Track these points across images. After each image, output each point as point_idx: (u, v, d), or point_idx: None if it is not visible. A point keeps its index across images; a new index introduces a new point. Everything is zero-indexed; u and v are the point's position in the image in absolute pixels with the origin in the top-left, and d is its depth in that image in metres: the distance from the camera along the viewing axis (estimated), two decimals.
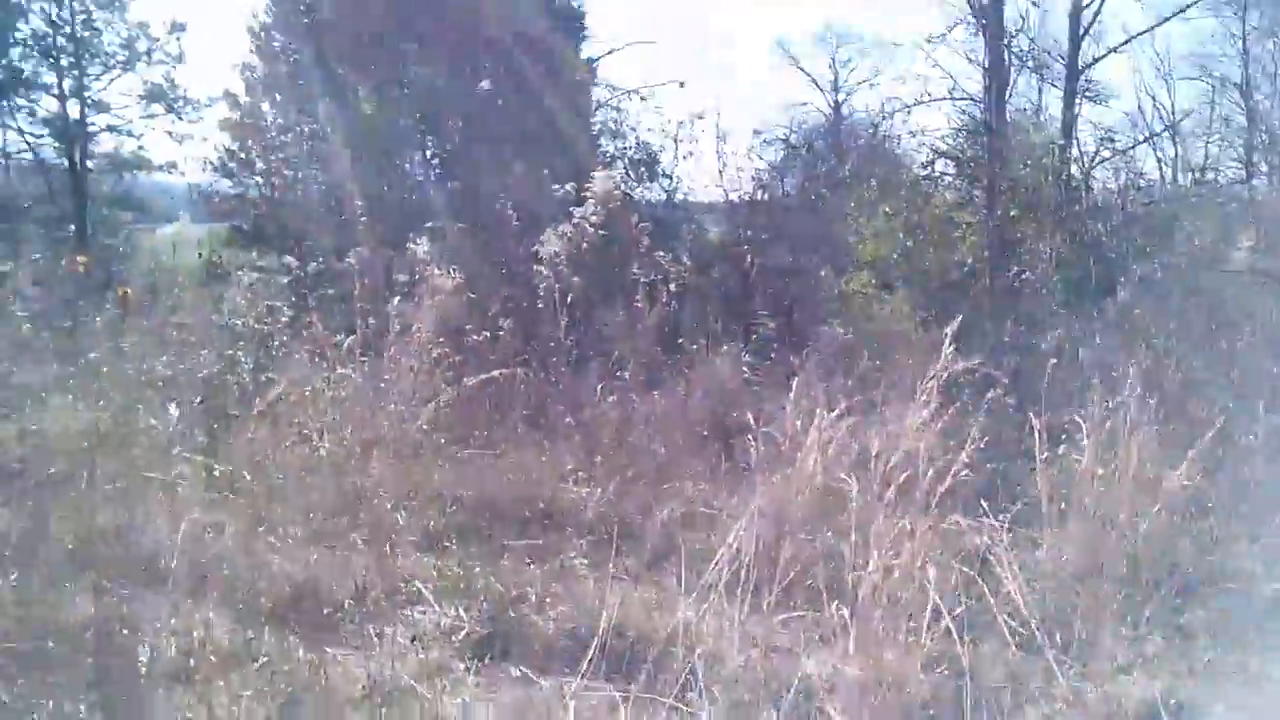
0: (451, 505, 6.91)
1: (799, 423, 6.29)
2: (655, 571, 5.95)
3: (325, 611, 5.33)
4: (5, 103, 21.01)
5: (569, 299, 8.29)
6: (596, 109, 17.10)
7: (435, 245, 9.35)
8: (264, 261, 12.56)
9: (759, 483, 6.37)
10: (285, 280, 11.00)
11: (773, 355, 9.12)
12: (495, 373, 7.89)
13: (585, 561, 6.15)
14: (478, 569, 5.84)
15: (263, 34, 17.87)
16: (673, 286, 8.60)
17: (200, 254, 18.36)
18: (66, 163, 21.78)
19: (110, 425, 7.42)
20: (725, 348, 8.88)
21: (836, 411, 6.40)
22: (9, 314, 9.45)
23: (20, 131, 21.36)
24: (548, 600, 5.41)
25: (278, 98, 17.43)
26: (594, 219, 7.79)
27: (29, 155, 21.64)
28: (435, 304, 8.07)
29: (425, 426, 7.46)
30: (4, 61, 20.89)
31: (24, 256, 14.77)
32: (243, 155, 18.39)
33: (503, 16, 15.20)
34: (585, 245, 7.88)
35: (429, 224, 9.79)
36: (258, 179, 18.47)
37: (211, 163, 19.06)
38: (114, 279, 18.15)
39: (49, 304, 10.90)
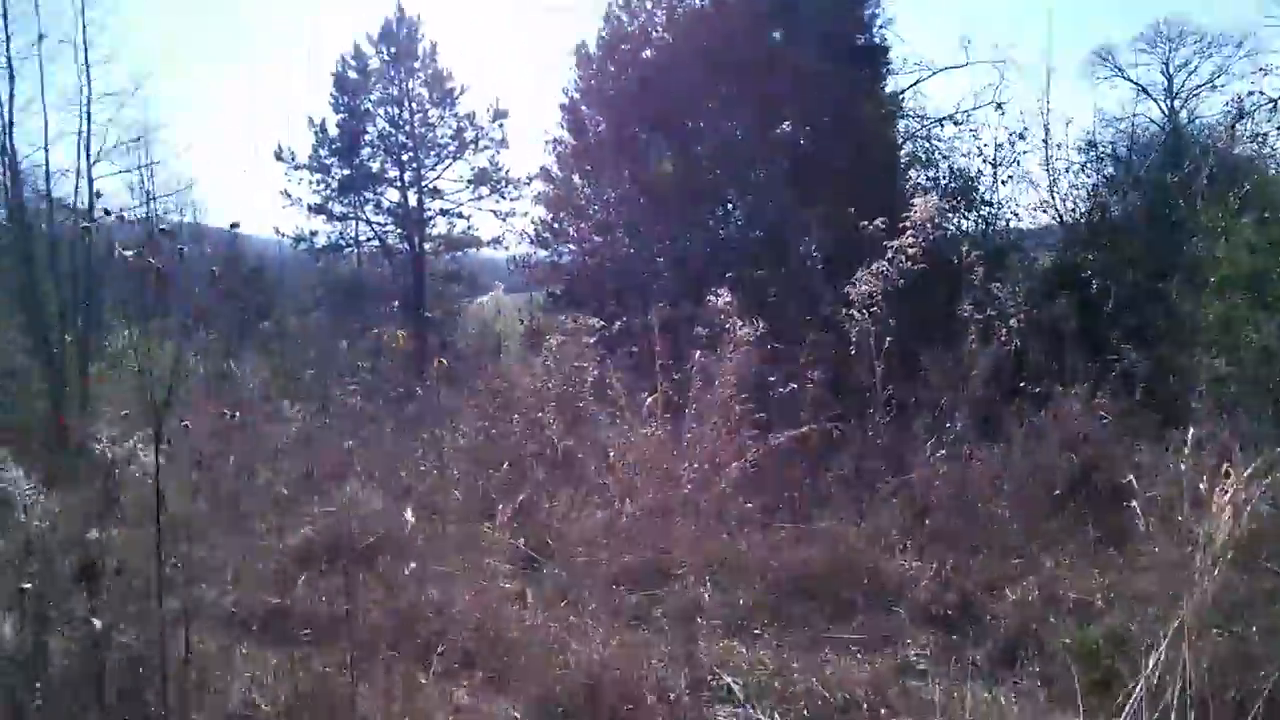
0: (760, 581, 6.05)
1: (1202, 483, 4.84)
2: (1014, 671, 4.74)
3: (626, 707, 4.64)
4: (356, 197, 23.28)
5: (885, 343, 7.27)
6: (904, 142, 15.92)
7: (737, 295, 8.70)
8: (573, 324, 12.47)
9: (1147, 563, 5.00)
10: (591, 340, 10.78)
11: (1138, 396, 7.51)
12: (804, 429, 7.01)
13: (923, 655, 5.06)
14: (795, 663, 4.93)
15: (571, 109, 18.44)
16: (1012, 322, 7.28)
17: (521, 321, 19.16)
18: (408, 246, 23.73)
19: (422, 493, 7.36)
20: (1076, 389, 7.41)
21: (1250, 467, 4.91)
22: (343, 387, 10.04)
23: (368, 222, 23.55)
24: (883, 710, 4.38)
25: (587, 168, 17.84)
26: (912, 250, 6.74)
27: (375, 242, 23.77)
28: (737, 357, 7.35)
29: (729, 489, 6.71)
30: (356, 161, 23.20)
31: (364, 335, 16.00)
32: (555, 225, 19.03)
33: (804, 64, 14.52)
34: (903, 282, 6.84)
35: (729, 274, 9.12)
36: (570, 246, 19.04)
37: (529, 234, 19.94)
38: (446, 347, 19.42)
39: (382, 376, 11.54)
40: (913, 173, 14.59)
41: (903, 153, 15.02)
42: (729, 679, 4.83)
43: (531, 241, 19.31)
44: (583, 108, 18.13)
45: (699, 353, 7.88)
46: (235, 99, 49.22)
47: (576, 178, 18.51)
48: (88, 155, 15.01)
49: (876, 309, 7.30)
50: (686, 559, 6.23)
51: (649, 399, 7.56)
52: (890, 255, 7.02)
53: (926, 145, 14.82)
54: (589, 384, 9.88)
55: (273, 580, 5.91)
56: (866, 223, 7.87)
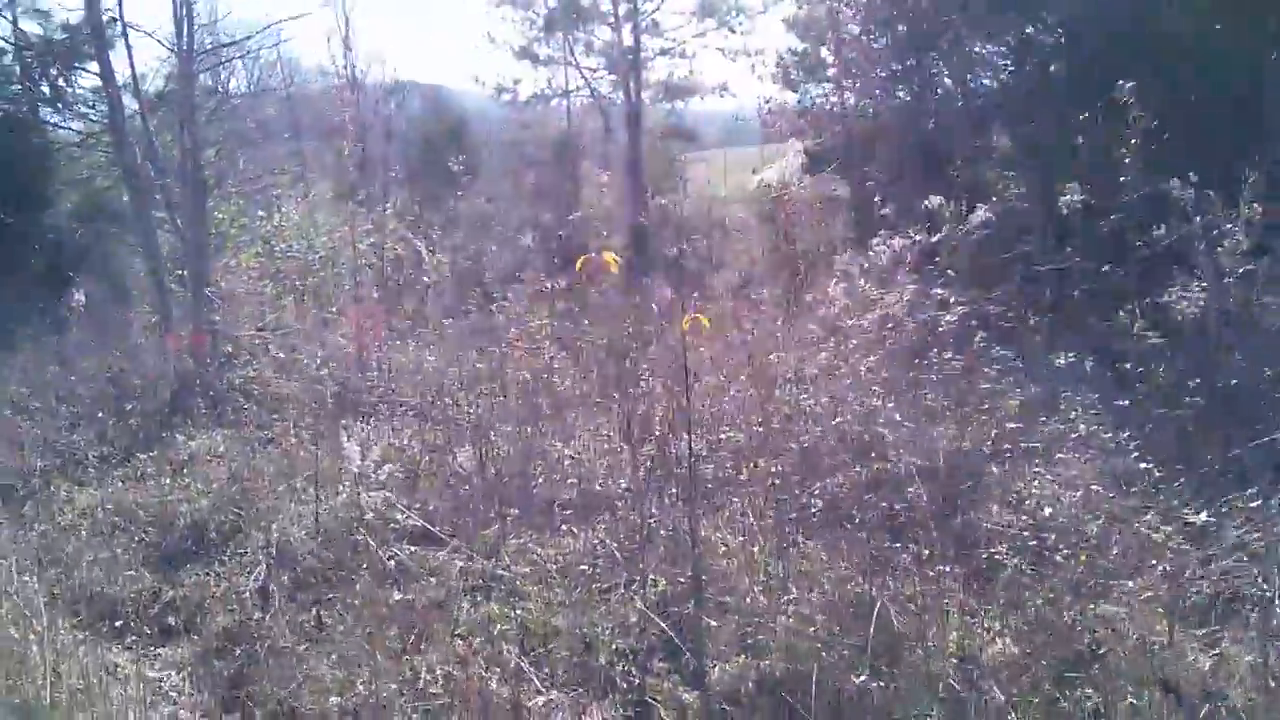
0: None
1: None
2: None
3: None
4: (565, 37, 18.23)
5: None
6: None
7: None
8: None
9: None
10: (897, 269, 5.57)
11: None
12: None
13: None
14: None
15: None
16: None
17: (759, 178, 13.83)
18: (622, 95, 18.58)
19: None
20: None
21: None
22: None
23: (577, 66, 18.52)
24: None
25: None
26: None
27: (586, 92, 18.78)
28: None
29: None
30: None
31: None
32: (811, 58, 13.35)
33: None
34: None
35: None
36: (825, 88, 13.36)
37: (774, 73, 14.31)
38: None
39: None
40: None
41: None
42: None
43: (776, 81, 13.76)
44: None
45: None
46: None
47: None
48: None
49: None
50: None
51: None
52: None
53: None
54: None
55: None
56: None
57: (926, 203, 5.99)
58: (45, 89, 11.12)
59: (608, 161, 17.62)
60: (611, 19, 18.40)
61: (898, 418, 4.52)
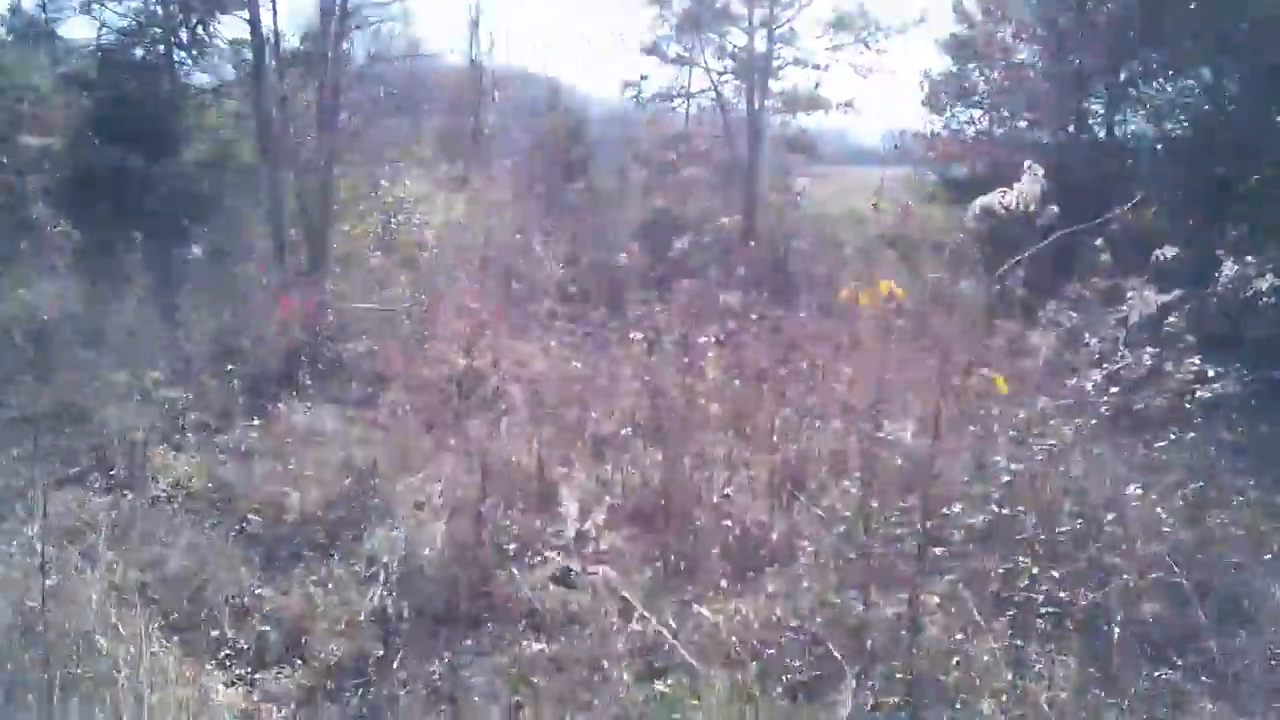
0: None
1: None
2: None
3: None
4: (697, 37, 17.47)
5: None
6: None
7: None
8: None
9: None
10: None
11: None
12: None
13: None
14: None
15: None
16: None
17: (978, 204, 12.86)
18: (744, 102, 17.74)
19: None
20: None
21: None
22: None
23: (705, 68, 17.73)
24: None
25: None
26: None
27: (710, 94, 17.95)
28: None
29: None
30: None
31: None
32: (964, 82, 12.35)
33: None
34: None
35: None
36: (975, 114, 12.39)
37: (925, 96, 13.26)
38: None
39: None
40: None
41: None
42: None
43: (925, 103, 12.75)
44: None
45: None
46: None
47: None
48: None
49: None
50: None
51: None
52: None
53: None
54: None
55: None
56: None
57: (1159, 253, 5.01)
58: (184, 34, 10.75)
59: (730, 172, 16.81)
60: (746, 23, 17.60)
61: (1160, 513, 3.63)
